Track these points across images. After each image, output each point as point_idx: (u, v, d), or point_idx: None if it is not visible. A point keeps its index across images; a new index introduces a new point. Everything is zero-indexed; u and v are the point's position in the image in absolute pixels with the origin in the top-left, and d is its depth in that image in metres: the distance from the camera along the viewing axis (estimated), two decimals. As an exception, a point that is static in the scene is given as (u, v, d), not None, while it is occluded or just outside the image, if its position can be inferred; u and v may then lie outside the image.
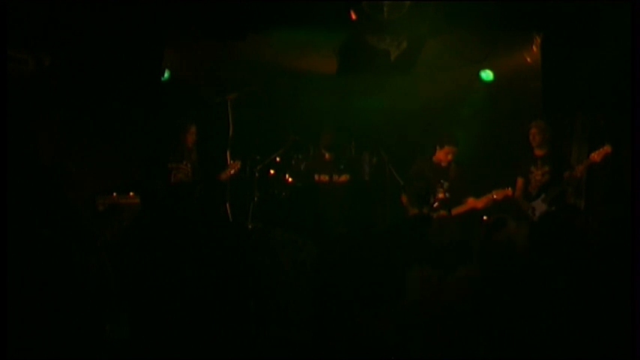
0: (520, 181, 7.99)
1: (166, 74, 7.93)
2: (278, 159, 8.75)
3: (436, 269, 4.56)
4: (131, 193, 7.84)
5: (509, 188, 7.85)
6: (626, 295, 4.03)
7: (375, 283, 4.15)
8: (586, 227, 5.21)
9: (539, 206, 7.74)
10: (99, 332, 4.35)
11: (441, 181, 8.04)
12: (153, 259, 5.08)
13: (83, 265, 4.32)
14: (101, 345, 4.32)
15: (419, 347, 3.97)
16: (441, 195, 8.05)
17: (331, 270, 4.47)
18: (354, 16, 6.59)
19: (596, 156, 7.56)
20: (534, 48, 7.79)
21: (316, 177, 8.36)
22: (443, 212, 7.92)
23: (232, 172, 8.21)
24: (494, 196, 7.80)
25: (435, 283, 4.51)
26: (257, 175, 8.61)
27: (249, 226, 8.02)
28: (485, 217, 7.93)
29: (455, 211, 7.94)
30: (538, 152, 7.94)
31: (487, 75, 8.78)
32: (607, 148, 7.51)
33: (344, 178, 8.38)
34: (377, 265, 4.28)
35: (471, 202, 7.91)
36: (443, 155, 8.09)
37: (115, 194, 7.82)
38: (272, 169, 8.71)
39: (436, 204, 7.92)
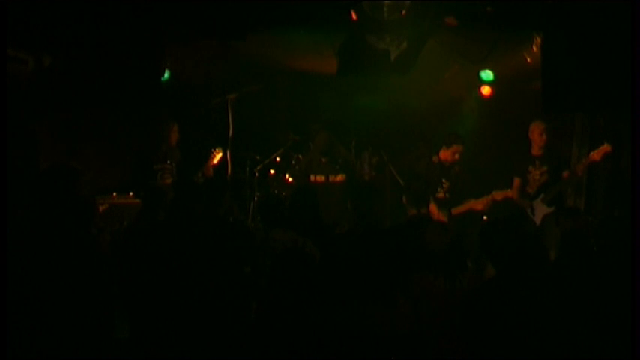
0: (517, 181, 7.96)
1: (166, 74, 7.93)
2: (278, 159, 8.76)
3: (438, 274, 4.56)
4: (131, 193, 7.83)
5: (510, 189, 7.85)
6: (626, 294, 4.03)
7: (375, 283, 4.15)
8: (586, 228, 5.21)
9: (539, 206, 7.73)
10: (99, 332, 4.34)
11: (443, 180, 8.03)
12: (153, 259, 5.08)
13: (84, 266, 4.32)
14: (102, 345, 4.32)
15: (420, 347, 3.97)
16: (440, 195, 8.04)
17: (331, 270, 4.47)
18: (354, 16, 6.59)
19: (595, 155, 7.56)
20: (534, 48, 7.79)
21: (312, 177, 8.37)
22: (443, 213, 7.90)
23: (215, 161, 8.16)
24: (495, 197, 7.78)
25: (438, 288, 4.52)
26: (257, 175, 8.61)
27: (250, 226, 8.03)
28: (485, 218, 7.92)
29: (454, 211, 7.93)
30: (536, 152, 7.93)
31: (487, 75, 8.78)
32: (606, 147, 7.50)
33: (340, 177, 8.38)
34: (377, 265, 4.27)
35: (471, 203, 7.90)
36: (449, 155, 8.06)
37: (114, 194, 7.81)
38: (272, 169, 8.72)
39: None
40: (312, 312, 4.01)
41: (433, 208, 7.94)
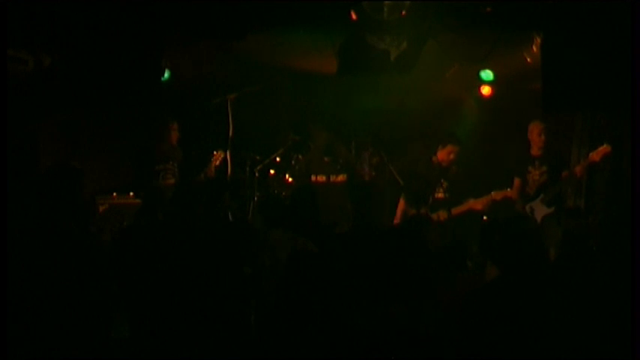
0: (517, 182, 7.97)
1: (166, 74, 7.93)
2: (278, 159, 8.76)
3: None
4: (131, 193, 7.83)
5: (509, 189, 7.85)
6: (626, 295, 4.03)
7: (374, 283, 4.15)
8: (586, 228, 5.21)
9: (538, 207, 7.73)
10: (99, 332, 4.35)
11: (441, 179, 8.04)
12: (153, 259, 5.08)
13: (83, 266, 4.32)
14: (102, 344, 4.33)
15: (419, 347, 3.97)
16: (439, 195, 8.04)
17: (330, 270, 4.47)
18: (354, 16, 6.59)
19: (595, 155, 7.56)
20: (534, 48, 7.79)
21: (313, 177, 8.37)
22: (443, 213, 7.91)
23: (217, 162, 8.19)
24: (494, 197, 7.78)
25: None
26: (257, 175, 8.61)
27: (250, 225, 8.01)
28: (485, 218, 7.92)
29: (454, 211, 7.94)
30: (536, 152, 7.93)
31: (487, 75, 8.78)
32: (606, 148, 7.51)
33: (341, 177, 8.39)
34: (377, 264, 4.27)
35: (471, 203, 7.90)
36: (445, 155, 8.08)
37: (115, 194, 7.81)
38: (272, 169, 8.72)
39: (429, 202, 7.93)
40: (312, 312, 4.01)
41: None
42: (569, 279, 4.35)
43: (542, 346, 3.76)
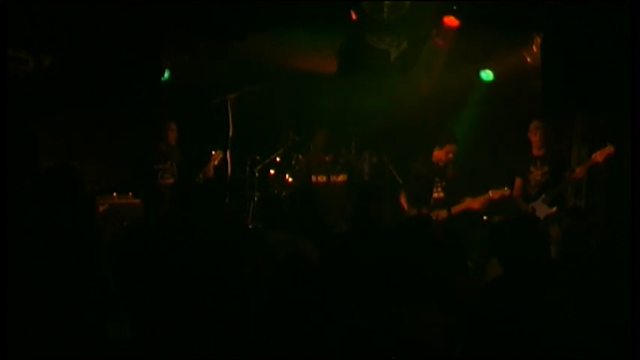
0: (519, 182, 7.96)
1: (166, 74, 7.93)
2: (278, 159, 8.77)
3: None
4: (131, 193, 7.83)
5: (507, 188, 7.84)
6: (626, 294, 4.03)
7: (375, 283, 4.15)
8: (587, 228, 5.21)
9: (539, 207, 7.72)
10: (100, 332, 4.35)
11: (437, 179, 8.03)
12: (153, 259, 5.08)
13: (83, 266, 4.32)
14: (101, 345, 4.32)
15: (420, 348, 3.97)
16: (438, 195, 8.03)
17: (330, 270, 4.47)
18: (354, 16, 6.60)
19: (598, 156, 7.53)
20: (534, 48, 7.79)
21: (313, 178, 8.37)
22: (442, 212, 7.91)
23: (216, 162, 8.19)
24: (491, 196, 7.77)
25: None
26: (257, 175, 8.62)
27: (249, 226, 8.02)
28: (485, 218, 7.91)
29: (452, 210, 7.94)
30: (537, 152, 7.92)
31: (487, 75, 8.77)
32: (610, 149, 7.48)
33: (341, 178, 8.38)
34: (377, 265, 4.27)
35: (468, 202, 7.89)
36: (443, 154, 8.06)
37: (115, 194, 7.82)
38: (272, 169, 8.73)
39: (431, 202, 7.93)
40: (311, 312, 4.01)
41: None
42: (569, 279, 4.35)
43: (542, 345, 3.76)
